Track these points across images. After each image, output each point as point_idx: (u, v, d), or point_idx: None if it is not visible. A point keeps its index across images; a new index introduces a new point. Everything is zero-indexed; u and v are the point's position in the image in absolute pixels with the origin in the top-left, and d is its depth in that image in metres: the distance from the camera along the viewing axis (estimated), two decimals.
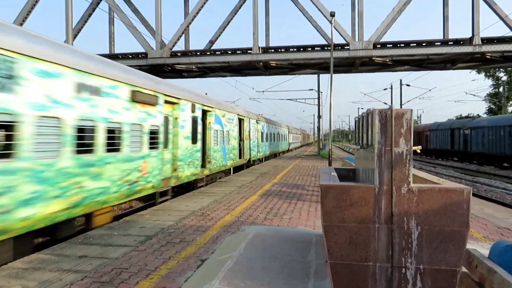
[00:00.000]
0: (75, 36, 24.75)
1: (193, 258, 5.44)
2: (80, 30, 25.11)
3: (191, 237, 6.58)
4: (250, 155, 23.63)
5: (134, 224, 7.59)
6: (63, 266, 5.07)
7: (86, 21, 25.29)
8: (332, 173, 5.26)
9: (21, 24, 23.35)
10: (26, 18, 23.68)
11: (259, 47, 23.35)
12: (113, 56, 24.36)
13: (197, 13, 23.95)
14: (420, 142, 46.36)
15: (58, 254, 5.59)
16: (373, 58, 22.85)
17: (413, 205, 3.74)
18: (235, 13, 24.83)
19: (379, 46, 22.23)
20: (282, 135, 43.17)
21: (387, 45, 22.22)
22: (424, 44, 21.78)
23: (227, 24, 25.23)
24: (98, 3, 24.92)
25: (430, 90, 45.89)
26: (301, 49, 23.26)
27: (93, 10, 25.28)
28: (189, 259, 5.37)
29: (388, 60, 23.82)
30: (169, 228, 7.20)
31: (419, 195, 3.74)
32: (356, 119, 5.51)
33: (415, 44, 21.88)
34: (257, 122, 26.35)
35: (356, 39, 22.44)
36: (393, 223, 3.76)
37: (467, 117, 50.39)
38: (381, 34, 22.05)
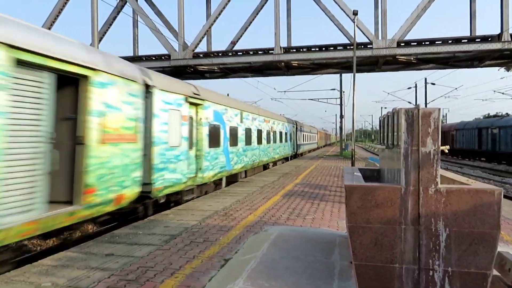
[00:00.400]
0: (100, 39, 25.31)
1: (217, 257, 5.47)
2: (105, 33, 25.66)
3: (215, 236, 6.63)
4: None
5: (158, 223, 7.70)
6: (91, 264, 5.19)
7: (111, 25, 25.82)
8: (356, 173, 5.20)
9: (49, 29, 24.05)
10: (53, 22, 24.37)
11: (280, 47, 23.29)
12: (137, 58, 24.78)
13: (219, 14, 24.10)
14: (446, 142, 45.27)
15: (85, 252, 5.73)
16: (397, 57, 22.44)
17: (441, 206, 3.66)
18: (257, 14, 24.86)
19: (403, 44, 21.81)
20: (279, 133, 26.25)
21: (412, 43, 21.78)
22: (450, 41, 21.24)
23: (249, 25, 25.28)
24: (123, 7, 25.41)
25: (456, 88, 44.76)
26: (323, 49, 23.08)
27: (118, 14, 25.78)
28: (213, 259, 5.41)
29: (412, 59, 23.35)
30: (193, 228, 7.27)
31: (447, 196, 3.65)
32: (381, 118, 5.43)
33: (440, 42, 21.37)
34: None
35: (380, 38, 22.10)
36: (420, 224, 3.69)
37: (495, 116, 48.87)
38: (405, 32, 21.64)
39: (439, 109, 3.76)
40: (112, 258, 5.46)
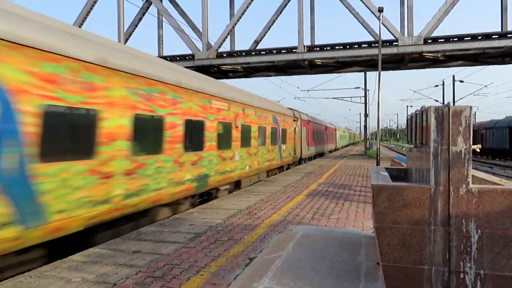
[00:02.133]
0: (126, 40, 25.81)
1: (242, 256, 5.49)
2: (131, 34, 26.15)
3: (239, 235, 6.65)
4: None
5: (183, 221, 7.79)
6: (119, 261, 5.30)
7: (136, 26, 26.29)
8: (382, 173, 5.11)
9: None
10: (81, 24, 25.01)
11: (304, 46, 23.16)
12: (161, 58, 25.14)
13: (242, 14, 24.17)
14: (475, 141, 43.94)
15: (113, 249, 5.85)
16: (423, 54, 21.93)
17: (472, 207, 3.55)
18: (280, 12, 24.80)
19: (430, 41, 21.30)
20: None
21: (439, 40, 21.24)
22: (480, 37, 20.60)
23: (272, 24, 25.25)
24: (148, 8, 25.83)
25: (486, 86, 43.38)
26: (347, 47, 22.80)
27: (143, 15, 26.22)
28: (238, 257, 5.43)
29: (440, 56, 22.77)
30: (217, 226, 7.32)
31: (479, 196, 3.54)
32: (409, 117, 5.32)
33: (469, 38, 20.75)
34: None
35: (405, 35, 21.66)
36: (450, 225, 3.60)
37: None
38: (432, 28, 21.12)
39: (471, 107, 3.65)
40: (139, 255, 5.55)
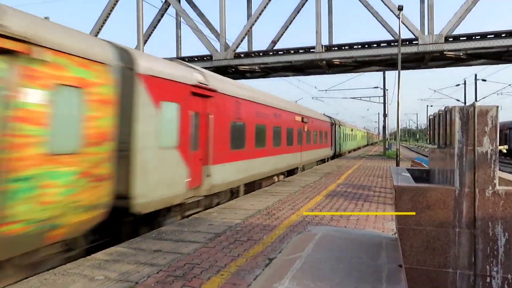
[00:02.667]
0: (145, 42, 26.14)
1: (261, 256, 5.49)
2: (149, 35, 26.46)
3: (258, 235, 6.65)
4: None
5: (203, 221, 7.84)
6: (140, 259, 5.37)
7: (155, 27, 26.59)
8: (405, 174, 5.03)
9: (97, 34, 25.15)
10: (101, 27, 25.45)
11: (322, 45, 23.03)
12: (180, 59, 25.35)
13: (260, 14, 24.18)
14: (498, 141, 42.78)
15: (134, 248, 5.93)
16: (444, 53, 21.53)
17: (499, 209, 3.47)
18: (298, 12, 24.71)
19: (451, 39, 20.89)
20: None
21: (461, 38, 20.81)
22: (503, 35, 20.09)
23: (290, 24, 25.18)
24: (166, 9, 26.10)
25: (510, 85, 42.27)
26: (366, 46, 22.56)
27: (162, 16, 26.51)
28: (257, 258, 5.43)
29: (461, 54, 22.31)
30: (236, 226, 7.34)
31: (506, 198, 3.46)
32: (431, 117, 5.23)
33: (492, 36, 20.27)
34: None
35: (426, 33, 21.30)
36: (476, 228, 3.52)
37: None
38: (453, 26, 20.72)
39: (497, 107, 3.57)
40: (160, 254, 5.61)
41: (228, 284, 4.45)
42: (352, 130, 47.81)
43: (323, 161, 28.10)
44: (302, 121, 19.92)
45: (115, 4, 25.44)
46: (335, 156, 32.89)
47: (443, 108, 4.32)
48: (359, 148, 62.65)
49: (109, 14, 25.50)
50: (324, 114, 31.02)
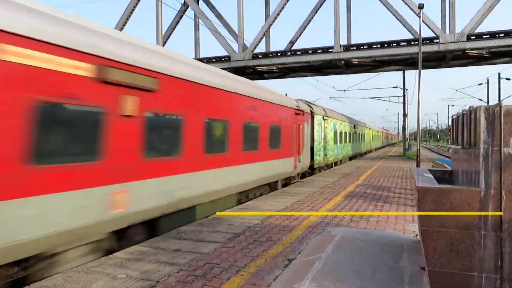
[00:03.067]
0: (164, 43, 26.43)
1: (280, 257, 5.48)
2: (168, 37, 26.75)
3: (277, 236, 6.64)
4: None
5: (222, 221, 7.87)
6: (160, 259, 5.43)
7: (174, 29, 26.86)
8: (427, 175, 4.95)
9: None
10: (122, 28, 25.85)
11: (340, 45, 22.84)
12: (198, 60, 25.54)
13: (278, 14, 24.15)
14: None
15: (155, 247, 6.00)
16: (466, 51, 21.06)
17: None
18: (316, 12, 24.58)
19: (473, 37, 20.41)
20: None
21: (483, 36, 20.32)
22: None
23: (308, 24, 25.07)
24: (185, 11, 26.33)
25: None
26: (385, 45, 22.27)
27: (180, 18, 26.74)
28: (277, 258, 5.42)
29: (484, 53, 21.76)
30: (255, 227, 7.35)
31: None
32: (454, 117, 5.12)
33: None
34: None
35: (447, 31, 20.88)
36: (503, 230, 3.43)
37: None
38: (476, 24, 20.24)
39: None
40: (180, 253, 5.66)
41: (248, 284, 4.45)
42: (354, 127, 32.76)
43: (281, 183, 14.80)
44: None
45: (134, 7, 25.81)
46: (313, 170, 19.36)
47: (467, 108, 4.23)
48: (369, 151, 47.23)
49: (129, 16, 25.89)
50: (301, 100, 18.92)
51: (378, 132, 52.73)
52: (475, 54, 21.92)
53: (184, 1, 25.57)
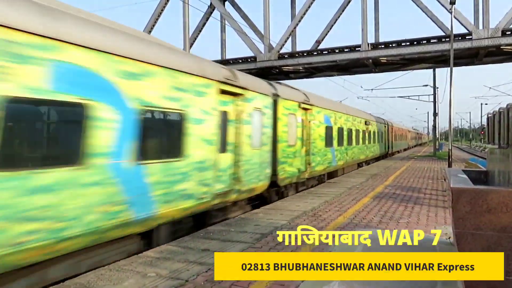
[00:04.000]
0: (191, 45, 26.77)
1: None
2: (195, 39, 27.07)
3: None
4: None
5: (249, 221, 7.88)
6: (189, 258, 5.48)
7: (200, 31, 27.16)
8: (461, 175, 4.78)
9: None
10: (150, 31, 26.36)
11: (368, 44, 22.47)
12: (224, 62, 25.74)
13: (304, 14, 24.02)
14: None
15: (183, 247, 6.07)
16: (501, 47, 20.28)
17: None
18: (343, 10, 24.32)
19: (509, 33, 19.64)
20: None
21: None
22: None
23: (334, 23, 24.83)
24: (211, 13, 26.58)
25: None
26: (415, 43, 21.74)
27: (207, 20, 27.03)
28: None
29: None
30: (282, 227, 7.32)
31: None
32: (490, 115, 4.93)
33: None
34: None
35: (480, 27, 20.18)
36: None
37: None
38: (511, 19, 19.48)
39: None
40: (208, 253, 5.70)
41: (276, 285, 4.44)
42: (366, 123, 24.29)
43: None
44: None
45: (162, 10, 26.27)
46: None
47: (502, 105, 4.07)
48: (391, 154, 36.28)
49: (157, 19, 26.37)
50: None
51: (386, 126, 34.56)
52: (510, 50, 21.09)
53: (211, 3, 25.82)
